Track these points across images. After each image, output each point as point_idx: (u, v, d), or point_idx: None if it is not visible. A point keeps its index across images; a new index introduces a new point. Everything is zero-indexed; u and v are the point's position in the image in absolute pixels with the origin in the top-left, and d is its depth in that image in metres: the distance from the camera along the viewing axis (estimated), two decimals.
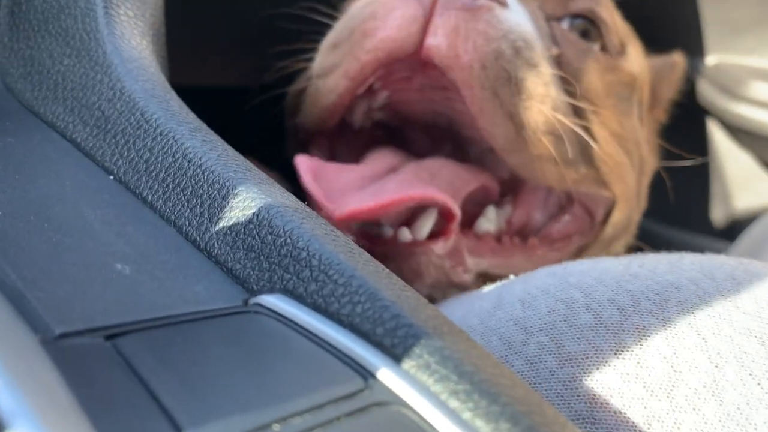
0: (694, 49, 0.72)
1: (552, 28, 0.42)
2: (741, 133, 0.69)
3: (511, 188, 0.43)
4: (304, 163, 0.37)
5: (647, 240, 0.50)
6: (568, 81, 0.41)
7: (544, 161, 0.39)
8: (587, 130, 0.41)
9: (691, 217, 0.71)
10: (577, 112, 0.41)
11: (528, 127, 0.37)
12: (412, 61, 0.37)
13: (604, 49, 0.44)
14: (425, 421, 0.16)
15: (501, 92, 0.36)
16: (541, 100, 0.37)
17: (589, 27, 0.44)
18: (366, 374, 0.17)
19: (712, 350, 0.24)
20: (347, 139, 0.44)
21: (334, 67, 0.39)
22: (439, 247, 0.37)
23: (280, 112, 0.48)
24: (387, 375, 0.17)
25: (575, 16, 0.44)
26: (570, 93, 0.41)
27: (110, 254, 0.20)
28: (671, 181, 0.54)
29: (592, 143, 0.41)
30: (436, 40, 0.36)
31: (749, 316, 0.25)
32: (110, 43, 0.28)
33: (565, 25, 0.43)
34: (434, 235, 0.37)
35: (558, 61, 0.41)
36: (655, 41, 0.54)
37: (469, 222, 0.41)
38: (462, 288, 0.39)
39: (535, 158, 0.38)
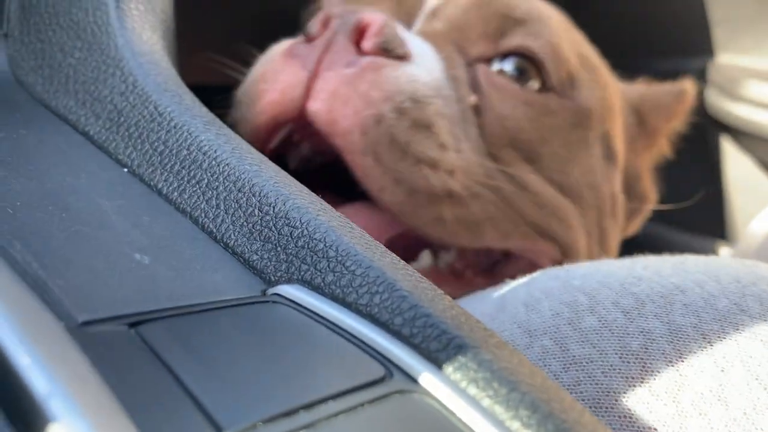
0: (692, 49, 0.73)
1: (475, 73, 0.40)
2: (739, 134, 0.69)
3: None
4: None
5: (648, 242, 0.50)
6: (492, 132, 0.38)
7: (450, 223, 0.36)
8: (518, 187, 0.39)
9: (693, 219, 0.71)
10: (501, 166, 0.38)
11: (421, 192, 0.35)
12: (299, 123, 0.35)
13: (545, 87, 0.41)
14: (446, 408, 0.17)
15: (385, 158, 0.34)
16: (433, 164, 0.35)
17: (525, 65, 0.41)
18: (386, 363, 0.17)
19: (717, 354, 0.24)
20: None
21: (238, 125, 0.38)
22: None
23: None
24: (407, 364, 0.17)
25: (507, 55, 0.41)
26: (494, 145, 0.39)
27: (128, 244, 0.20)
28: (672, 182, 0.54)
29: (526, 201, 0.39)
30: (316, 105, 0.34)
31: (754, 319, 0.25)
32: (122, 36, 0.28)
33: (496, 66, 0.40)
34: None
35: (478, 110, 0.39)
36: (653, 43, 0.54)
37: None
38: None
39: (435, 221, 0.36)
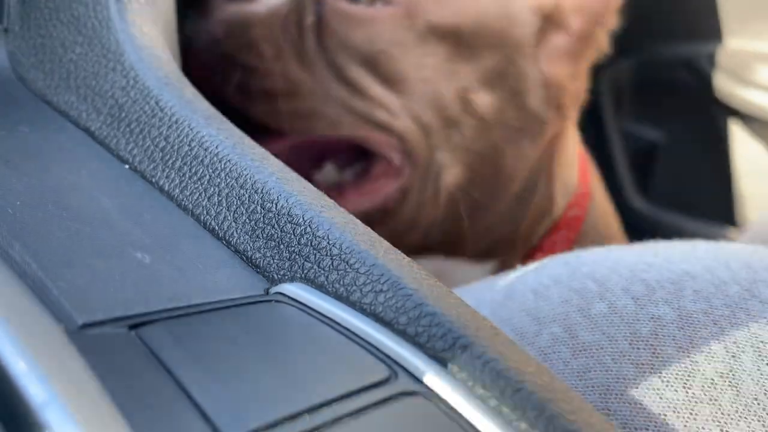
0: (701, 33, 0.72)
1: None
2: (749, 119, 0.69)
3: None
4: None
5: (659, 228, 0.49)
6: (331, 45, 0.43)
7: (282, 115, 0.42)
8: (350, 88, 0.43)
9: (704, 206, 0.71)
10: (338, 73, 0.43)
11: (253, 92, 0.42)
12: None
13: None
14: (452, 408, 0.16)
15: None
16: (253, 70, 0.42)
17: None
18: (391, 363, 0.17)
19: (728, 339, 0.24)
20: None
21: None
22: None
23: None
24: (412, 364, 0.17)
25: None
26: (332, 56, 0.43)
27: (129, 243, 0.20)
28: (682, 168, 0.53)
29: (355, 99, 0.43)
30: None
31: (765, 305, 0.25)
32: (122, 31, 0.28)
33: None
34: None
35: (317, 29, 0.43)
36: (661, 27, 0.53)
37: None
38: None
39: (270, 113, 0.42)
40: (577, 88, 0.49)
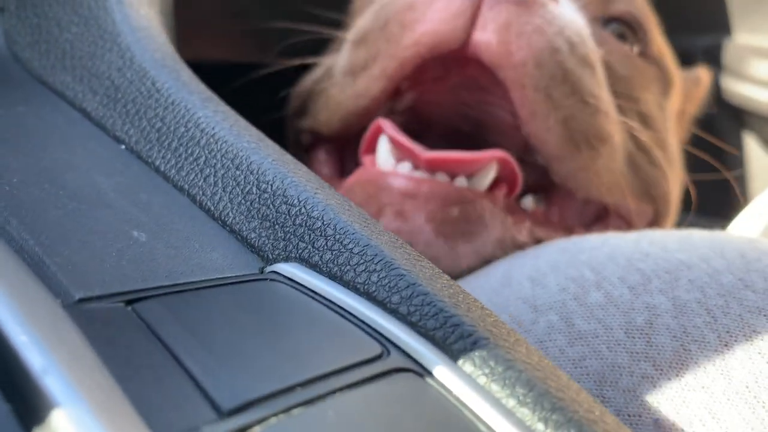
0: (704, 27, 0.72)
1: (594, 30, 0.39)
2: (753, 116, 0.69)
3: (540, 190, 0.40)
4: (386, 124, 0.36)
5: None
6: (617, 90, 0.38)
7: (593, 172, 0.36)
8: (636, 146, 0.39)
9: (708, 203, 0.71)
10: (624, 124, 0.38)
11: (583, 133, 0.35)
12: (452, 59, 0.34)
13: (642, 54, 0.42)
14: (443, 386, 0.17)
15: (555, 93, 0.34)
16: (597, 102, 0.35)
17: (625, 31, 0.41)
18: (384, 341, 0.17)
19: (721, 329, 0.24)
20: (355, 145, 0.39)
21: (365, 65, 0.36)
22: (502, 195, 0.36)
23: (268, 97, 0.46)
24: (404, 342, 0.17)
25: (613, 19, 0.41)
26: (615, 100, 0.38)
27: (126, 221, 0.20)
28: (686, 165, 0.53)
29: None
30: (486, 36, 0.33)
31: (758, 295, 0.25)
32: (119, 11, 0.28)
33: (605, 29, 0.41)
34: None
35: (605, 66, 0.38)
36: (665, 20, 0.53)
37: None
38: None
39: (586, 167, 0.35)
40: None
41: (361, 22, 0.38)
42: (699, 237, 0.29)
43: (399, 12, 0.35)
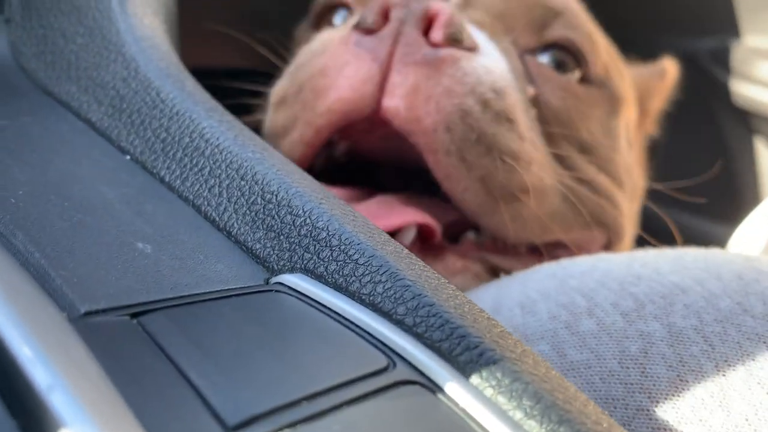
0: (703, 29, 0.72)
1: (527, 64, 0.39)
2: (749, 115, 0.68)
3: None
4: None
5: (666, 228, 0.49)
6: (552, 125, 0.38)
7: (527, 221, 0.35)
8: (577, 179, 0.38)
9: (713, 206, 0.70)
10: (561, 159, 0.38)
11: (503, 188, 0.34)
12: (371, 120, 0.33)
13: (584, 79, 0.41)
14: (449, 397, 0.16)
15: (469, 155, 0.33)
16: (515, 156, 0.34)
17: (564, 57, 0.40)
18: (389, 352, 0.17)
19: (719, 357, 0.23)
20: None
21: (286, 129, 0.36)
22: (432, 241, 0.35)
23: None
24: (410, 354, 0.17)
25: (550, 46, 0.40)
26: (551, 137, 0.37)
27: (131, 233, 0.20)
28: (683, 165, 0.53)
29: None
30: (394, 102, 0.32)
31: (757, 320, 0.24)
32: (123, 21, 0.28)
33: (541, 58, 0.40)
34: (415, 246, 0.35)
35: (536, 103, 0.37)
36: (673, 21, 0.52)
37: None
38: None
39: (512, 219, 0.35)
40: None
41: (280, 83, 0.38)
42: (692, 257, 0.28)
43: (312, 77, 0.35)
